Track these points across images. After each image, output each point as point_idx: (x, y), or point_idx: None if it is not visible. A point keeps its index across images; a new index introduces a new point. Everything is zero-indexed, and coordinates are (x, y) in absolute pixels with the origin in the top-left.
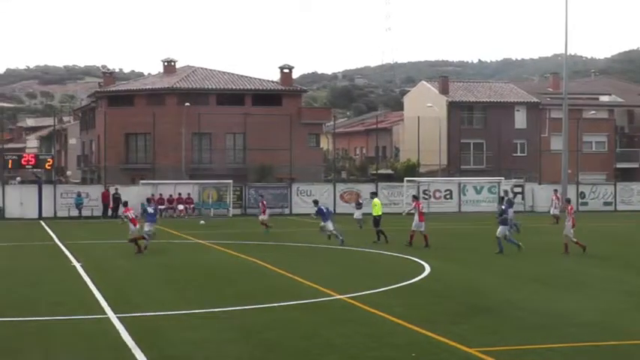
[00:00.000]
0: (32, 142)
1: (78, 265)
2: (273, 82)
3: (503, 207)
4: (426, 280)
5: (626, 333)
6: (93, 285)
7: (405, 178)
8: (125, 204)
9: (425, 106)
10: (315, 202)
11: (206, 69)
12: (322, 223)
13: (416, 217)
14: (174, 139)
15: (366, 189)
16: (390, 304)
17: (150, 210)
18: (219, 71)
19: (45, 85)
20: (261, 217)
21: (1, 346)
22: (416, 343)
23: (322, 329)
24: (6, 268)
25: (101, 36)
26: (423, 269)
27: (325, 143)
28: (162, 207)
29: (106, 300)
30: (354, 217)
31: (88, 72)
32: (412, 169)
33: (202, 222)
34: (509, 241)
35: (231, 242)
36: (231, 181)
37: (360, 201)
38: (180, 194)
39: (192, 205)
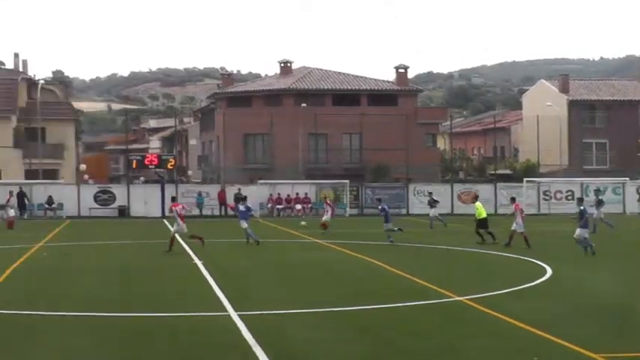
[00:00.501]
0: (155, 143)
1: (199, 263)
2: (388, 82)
3: (581, 208)
4: (546, 282)
5: None
6: (214, 282)
7: (525, 179)
8: (173, 199)
9: (544, 105)
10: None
11: (322, 70)
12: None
13: (518, 218)
14: (291, 140)
15: (483, 189)
16: (510, 306)
17: (242, 208)
18: (334, 72)
19: (166, 87)
20: (325, 218)
21: (127, 341)
22: (538, 346)
23: (442, 330)
24: (131, 266)
25: (219, 39)
26: (544, 271)
27: (442, 143)
28: (280, 206)
29: (227, 297)
30: (430, 215)
31: (207, 74)
32: (532, 170)
33: (303, 223)
34: (582, 243)
35: (347, 242)
36: (347, 181)
37: (435, 198)
38: (297, 194)
39: (309, 205)
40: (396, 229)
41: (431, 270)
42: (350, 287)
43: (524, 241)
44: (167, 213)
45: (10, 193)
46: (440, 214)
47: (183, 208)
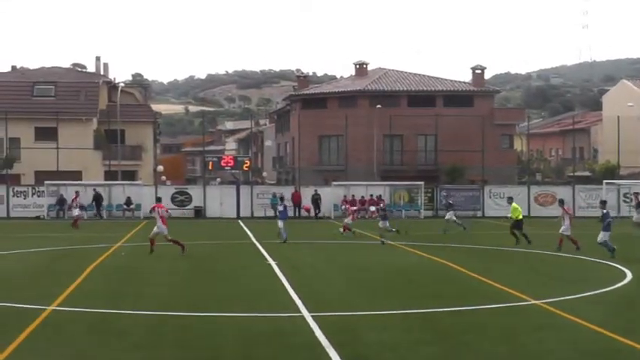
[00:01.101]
0: (231, 145)
1: (273, 264)
2: (464, 83)
3: (604, 211)
4: (625, 287)
5: None
6: (287, 283)
7: (604, 181)
8: (159, 200)
9: (626, 105)
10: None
11: (397, 71)
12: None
13: (566, 220)
14: (365, 141)
15: (561, 192)
16: (588, 310)
17: (280, 208)
18: (410, 73)
19: (243, 89)
20: (346, 221)
21: (202, 340)
22: (616, 351)
23: (518, 334)
24: (207, 266)
25: (295, 41)
26: (624, 275)
27: (519, 144)
28: (355, 208)
29: (300, 298)
30: (445, 218)
31: (283, 76)
32: (612, 171)
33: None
34: (603, 244)
35: (421, 244)
36: (422, 182)
37: (450, 201)
38: (372, 195)
39: (383, 206)
40: (393, 229)
41: (505, 273)
42: (423, 289)
43: (574, 244)
44: (150, 212)
45: (77, 193)
46: (457, 218)
47: (167, 211)
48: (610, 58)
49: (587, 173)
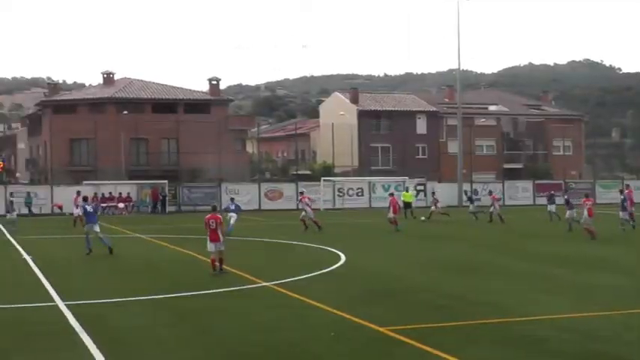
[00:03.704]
0: None
1: (29, 259)
2: (202, 92)
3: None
4: (341, 267)
5: (514, 312)
6: (42, 275)
7: (322, 178)
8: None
9: (338, 114)
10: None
11: (142, 80)
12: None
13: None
14: (114, 144)
15: (286, 188)
16: (311, 289)
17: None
18: (154, 82)
19: None
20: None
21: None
22: (334, 322)
23: (251, 313)
24: None
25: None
26: (339, 258)
27: (251, 147)
28: (104, 205)
29: (55, 289)
30: (470, 209)
31: (34, 83)
32: (328, 170)
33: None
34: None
35: (166, 236)
36: (166, 181)
37: (474, 196)
38: (120, 193)
39: (131, 203)
40: None
41: (243, 259)
42: (167, 277)
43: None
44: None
45: (78, 193)
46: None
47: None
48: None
49: (308, 172)
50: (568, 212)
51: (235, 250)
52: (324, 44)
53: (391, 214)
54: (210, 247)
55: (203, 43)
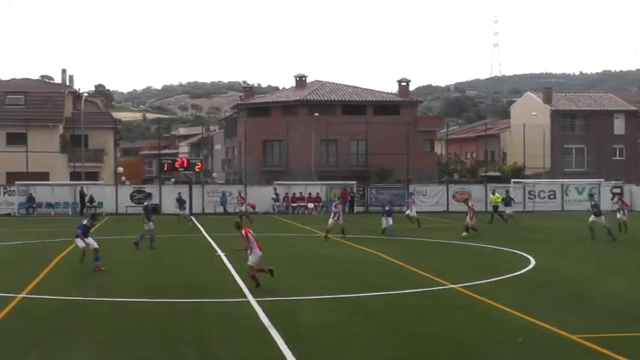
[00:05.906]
0: (184, 148)
1: (222, 255)
2: (391, 94)
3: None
4: (531, 271)
5: None
6: (234, 271)
7: (512, 180)
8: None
9: (530, 114)
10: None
11: (332, 83)
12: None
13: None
14: (304, 145)
15: (475, 189)
16: (499, 293)
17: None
18: (344, 85)
19: (195, 98)
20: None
21: (161, 323)
22: (522, 327)
23: (436, 315)
24: (164, 258)
25: (243, 55)
26: (529, 262)
27: (439, 148)
28: (295, 204)
29: (246, 286)
30: (506, 212)
31: (231, 87)
32: (518, 172)
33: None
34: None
35: (354, 236)
36: (354, 182)
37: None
38: (310, 193)
39: (320, 204)
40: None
41: (429, 262)
42: (354, 277)
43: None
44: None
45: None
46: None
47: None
48: (517, 72)
49: (497, 173)
50: None
51: (421, 251)
52: (516, 43)
53: (468, 220)
54: None
55: (393, 44)
